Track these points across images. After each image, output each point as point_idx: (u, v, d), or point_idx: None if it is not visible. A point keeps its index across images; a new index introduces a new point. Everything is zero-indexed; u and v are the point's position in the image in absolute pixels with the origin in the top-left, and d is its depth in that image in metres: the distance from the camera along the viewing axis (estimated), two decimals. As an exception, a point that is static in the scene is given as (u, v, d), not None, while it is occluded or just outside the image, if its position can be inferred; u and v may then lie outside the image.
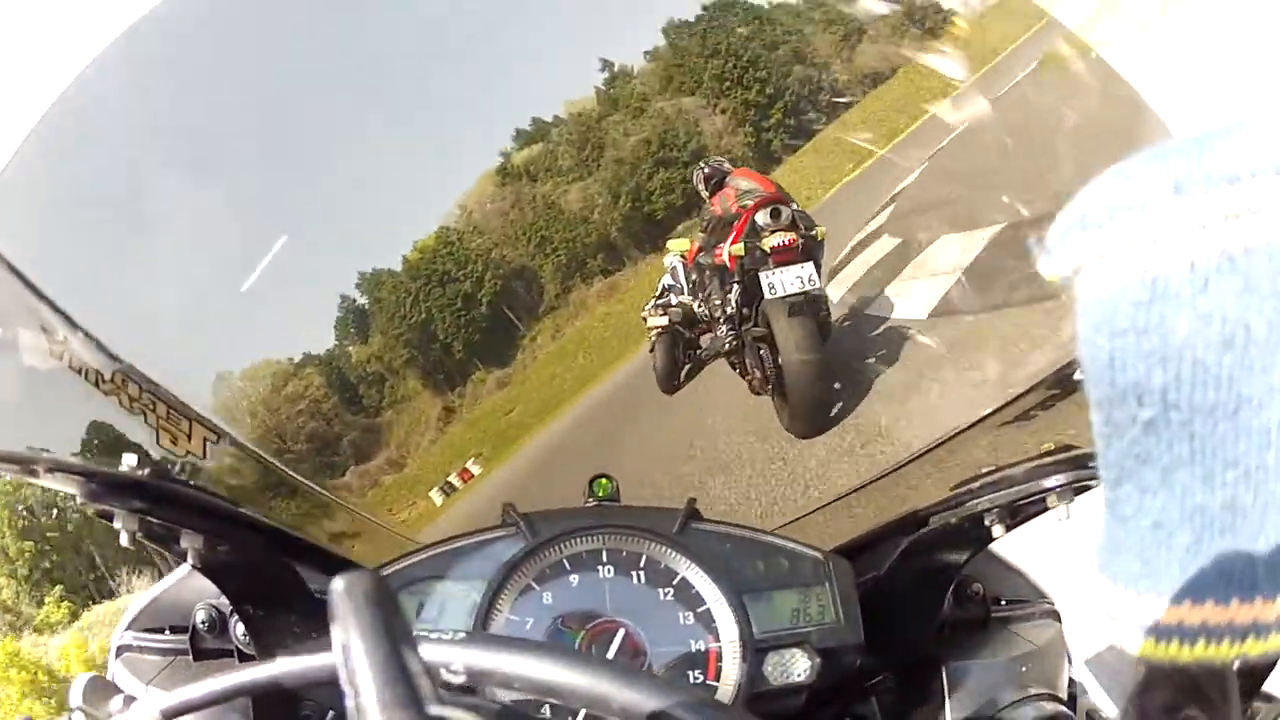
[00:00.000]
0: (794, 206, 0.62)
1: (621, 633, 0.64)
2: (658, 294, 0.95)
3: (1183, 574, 0.22)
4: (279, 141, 0.77)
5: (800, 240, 0.54)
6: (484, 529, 0.68)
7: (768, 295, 0.55)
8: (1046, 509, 0.70)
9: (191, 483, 0.69)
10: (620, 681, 0.34)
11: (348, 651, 0.26)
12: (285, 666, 0.39)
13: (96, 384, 0.69)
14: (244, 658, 0.78)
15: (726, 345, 0.66)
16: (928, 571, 0.72)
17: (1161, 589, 0.23)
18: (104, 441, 0.72)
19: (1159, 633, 0.23)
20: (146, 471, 0.70)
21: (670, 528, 0.67)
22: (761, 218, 0.58)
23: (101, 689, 0.53)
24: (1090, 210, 0.22)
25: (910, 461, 0.72)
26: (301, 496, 0.72)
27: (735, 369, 0.70)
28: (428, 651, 0.34)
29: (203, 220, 0.70)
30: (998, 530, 0.70)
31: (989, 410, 0.71)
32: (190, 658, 0.81)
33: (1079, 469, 0.66)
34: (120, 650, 0.85)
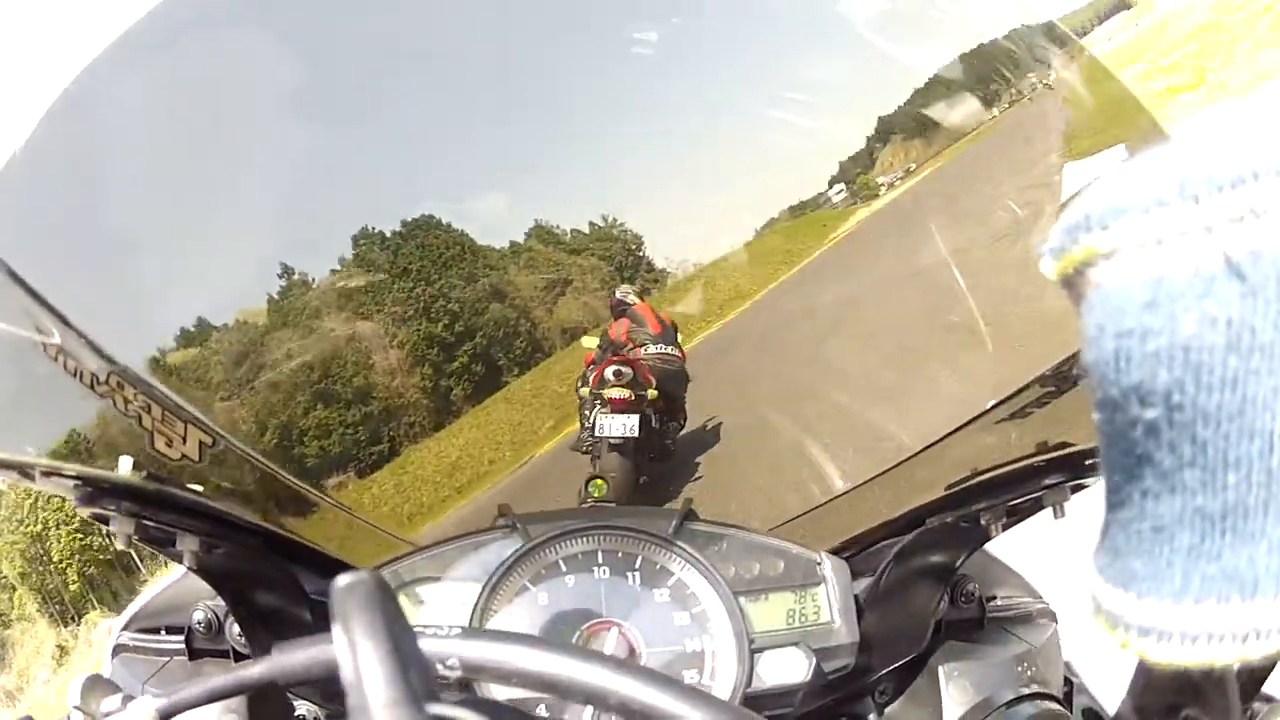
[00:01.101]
0: (664, 351, 0.68)
1: (616, 632, 0.64)
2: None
3: (1184, 576, 0.22)
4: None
5: (633, 397, 0.65)
6: (479, 530, 0.68)
7: (597, 432, 0.66)
8: (1043, 507, 0.70)
9: (188, 485, 0.69)
10: (618, 673, 0.34)
11: (348, 650, 0.26)
12: (283, 662, 0.39)
13: (92, 386, 0.69)
14: (239, 658, 0.78)
15: (582, 449, 0.76)
16: (924, 571, 0.72)
17: (1162, 591, 0.23)
18: (98, 445, 0.72)
19: (1159, 635, 0.23)
20: (142, 475, 0.70)
21: (666, 528, 0.67)
22: (609, 372, 0.69)
23: (99, 688, 0.53)
24: (1094, 210, 0.22)
25: (906, 461, 0.72)
26: (297, 499, 0.72)
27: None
28: (423, 647, 0.34)
29: (205, 225, 0.70)
30: (994, 530, 0.70)
31: (985, 409, 0.71)
32: (186, 658, 0.82)
33: (1076, 467, 0.66)
34: (117, 650, 0.85)
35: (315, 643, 0.38)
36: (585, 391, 0.71)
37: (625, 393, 0.67)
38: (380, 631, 0.27)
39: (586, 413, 0.72)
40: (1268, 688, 0.36)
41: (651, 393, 0.67)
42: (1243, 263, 0.20)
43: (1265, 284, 0.20)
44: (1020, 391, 0.70)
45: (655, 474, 0.66)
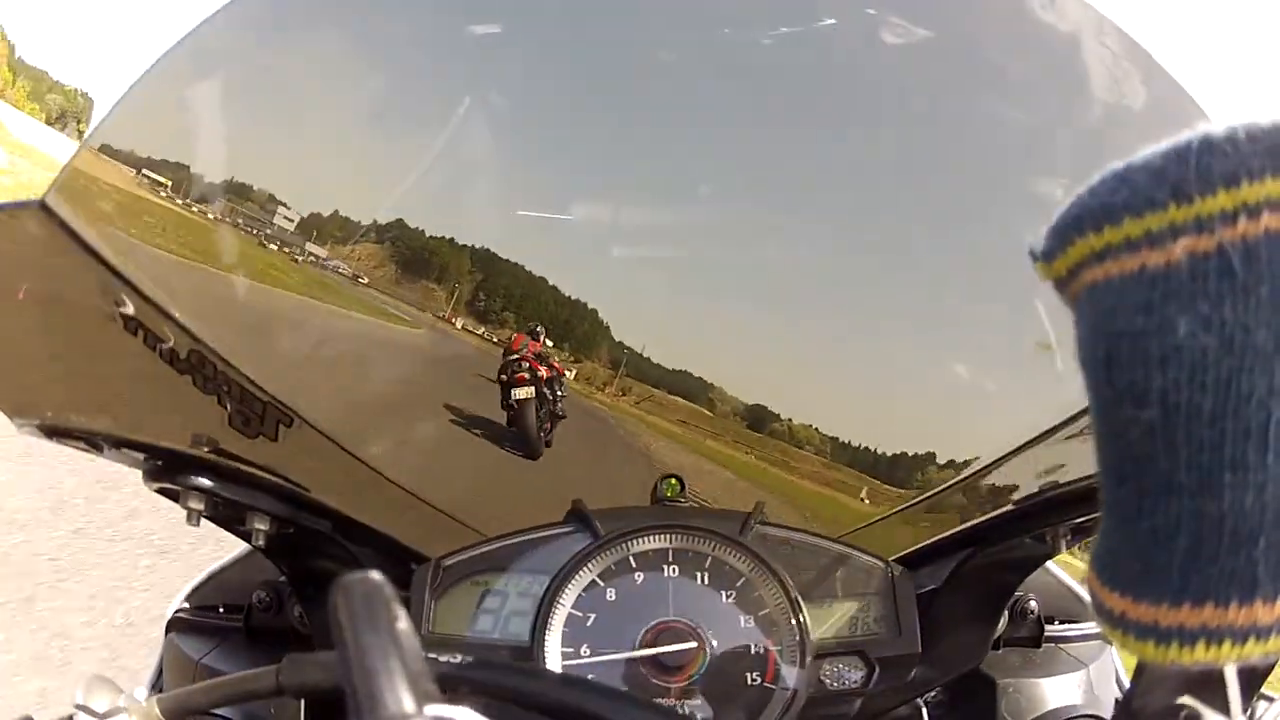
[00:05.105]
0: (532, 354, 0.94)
1: (682, 632, 0.65)
2: None
3: (1182, 577, 0.22)
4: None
5: (529, 380, 0.92)
6: (551, 524, 0.68)
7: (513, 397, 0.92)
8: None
9: (260, 464, 0.70)
10: (635, 712, 0.34)
11: (348, 651, 0.26)
12: (288, 669, 0.40)
13: (171, 363, 0.70)
14: (299, 639, 0.79)
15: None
16: (987, 587, 0.72)
17: (1161, 592, 0.23)
18: (172, 420, 0.73)
19: (1158, 635, 0.23)
20: (215, 451, 0.71)
21: (736, 530, 0.67)
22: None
23: (102, 688, 0.54)
24: (1087, 211, 0.22)
25: (975, 475, 0.72)
26: (370, 484, 0.73)
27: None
28: (434, 673, 0.34)
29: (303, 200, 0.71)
30: (1059, 547, 0.70)
31: (1055, 424, 0.71)
32: (244, 636, 0.82)
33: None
34: (173, 625, 0.86)
35: (327, 656, 0.39)
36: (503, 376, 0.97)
37: (523, 375, 0.94)
38: (378, 632, 0.27)
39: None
40: (1268, 687, 0.36)
41: (544, 371, 0.93)
42: (1236, 263, 0.20)
43: (1259, 284, 0.20)
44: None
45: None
